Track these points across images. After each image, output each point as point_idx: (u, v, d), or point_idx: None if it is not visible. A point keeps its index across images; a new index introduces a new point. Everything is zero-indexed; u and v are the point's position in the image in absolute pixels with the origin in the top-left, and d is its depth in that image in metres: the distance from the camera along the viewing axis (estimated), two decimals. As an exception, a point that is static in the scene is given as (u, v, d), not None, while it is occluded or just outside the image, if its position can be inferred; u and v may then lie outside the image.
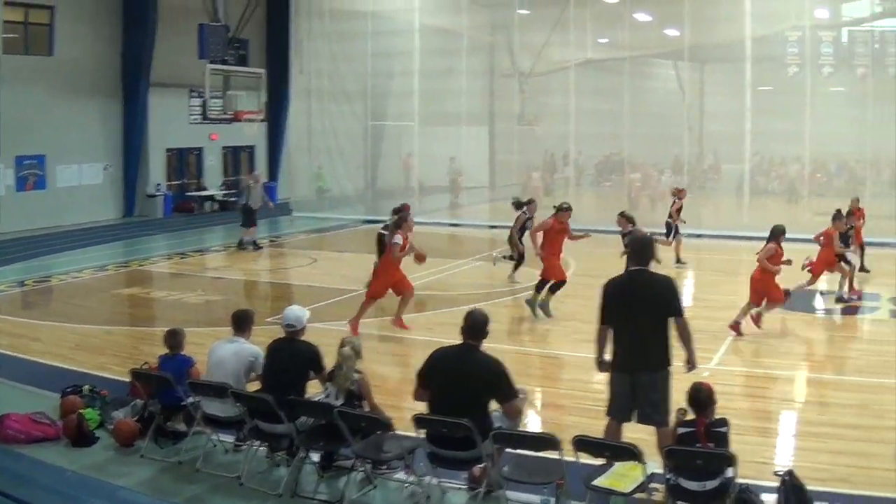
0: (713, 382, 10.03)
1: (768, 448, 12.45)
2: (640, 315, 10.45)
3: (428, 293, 23.46)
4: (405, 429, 10.24)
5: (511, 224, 25.52)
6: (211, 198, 44.98)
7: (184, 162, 44.82)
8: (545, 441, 9.48)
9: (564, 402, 14.81)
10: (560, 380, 16.19)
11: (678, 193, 28.88)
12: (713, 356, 17.09)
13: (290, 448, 11.02)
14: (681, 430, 9.60)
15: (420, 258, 20.02)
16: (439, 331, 18.33)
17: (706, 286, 25.72)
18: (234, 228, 34.07)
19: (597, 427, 10.67)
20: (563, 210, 21.17)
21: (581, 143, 45.05)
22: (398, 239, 19.11)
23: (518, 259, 25.19)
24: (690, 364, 10.80)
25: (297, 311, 11.51)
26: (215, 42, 35.76)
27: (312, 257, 30.70)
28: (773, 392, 15.39)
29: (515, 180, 47.87)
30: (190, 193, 44.47)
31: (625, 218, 22.75)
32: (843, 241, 22.43)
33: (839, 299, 22.26)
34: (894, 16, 43.04)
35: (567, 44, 43.47)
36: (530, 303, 20.75)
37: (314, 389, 11.34)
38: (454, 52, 44.45)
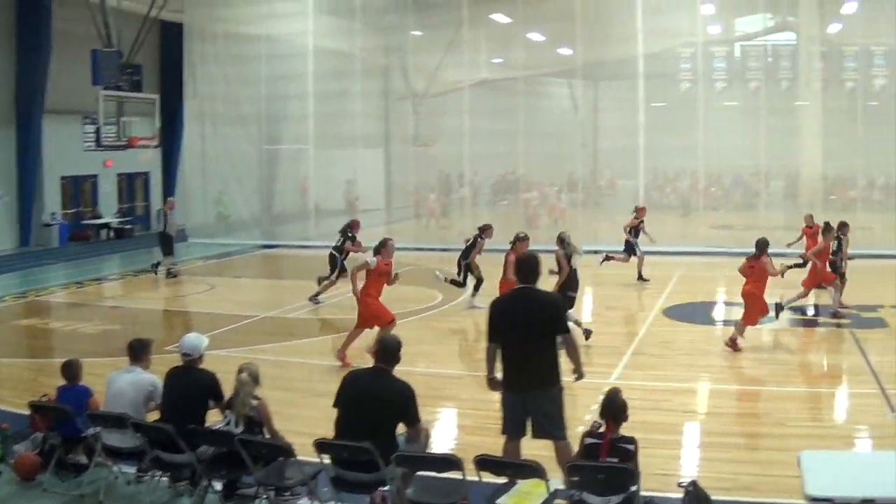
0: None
1: (672, 460, 12.61)
2: (527, 333, 10.52)
3: (326, 317, 23.51)
4: (308, 454, 10.18)
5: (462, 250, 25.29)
6: (107, 226, 44.43)
7: (79, 190, 44.19)
8: (447, 462, 9.49)
9: (465, 421, 14.84)
10: (460, 399, 16.15)
11: (638, 212, 29.01)
12: (613, 370, 17.29)
13: (193, 477, 10.89)
14: (588, 440, 9.69)
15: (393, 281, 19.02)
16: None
17: (606, 301, 25.89)
18: (130, 256, 33.85)
19: (498, 445, 10.71)
20: (520, 240, 20.67)
21: (476, 163, 45.28)
22: (372, 259, 18.14)
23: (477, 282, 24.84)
24: (577, 374, 10.92)
25: (194, 340, 11.36)
26: (108, 68, 35.25)
27: (210, 284, 30.45)
28: (675, 404, 15.51)
29: (412, 202, 47.98)
30: (86, 221, 43.84)
31: (559, 239, 22.15)
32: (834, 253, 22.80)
33: (834, 314, 22.42)
34: (786, 30, 43.90)
35: (461, 65, 43.74)
36: None
37: (216, 417, 11.24)
38: (348, 74, 44.41)
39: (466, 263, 24.90)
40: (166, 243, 31.30)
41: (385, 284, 18.53)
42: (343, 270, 25.64)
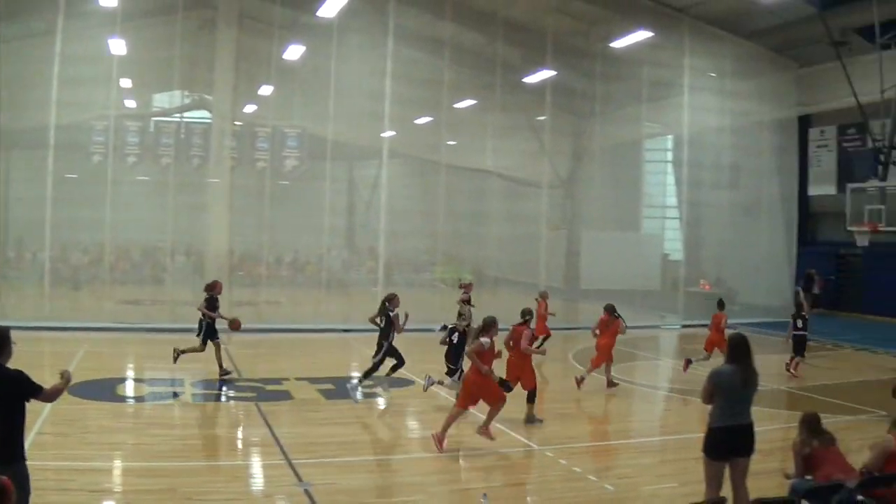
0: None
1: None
2: None
3: None
4: None
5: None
6: None
7: None
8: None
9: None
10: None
11: (465, 287, 30.16)
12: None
13: None
14: None
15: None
16: None
17: None
18: None
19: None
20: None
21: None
22: (486, 340, 18.15)
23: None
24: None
25: None
26: None
27: None
28: (80, 483, 15.37)
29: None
30: None
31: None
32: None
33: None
34: (202, 108, 44.97)
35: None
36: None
37: None
38: None
39: (389, 343, 23.25)
40: None
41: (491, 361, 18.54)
42: (209, 335, 24.60)
